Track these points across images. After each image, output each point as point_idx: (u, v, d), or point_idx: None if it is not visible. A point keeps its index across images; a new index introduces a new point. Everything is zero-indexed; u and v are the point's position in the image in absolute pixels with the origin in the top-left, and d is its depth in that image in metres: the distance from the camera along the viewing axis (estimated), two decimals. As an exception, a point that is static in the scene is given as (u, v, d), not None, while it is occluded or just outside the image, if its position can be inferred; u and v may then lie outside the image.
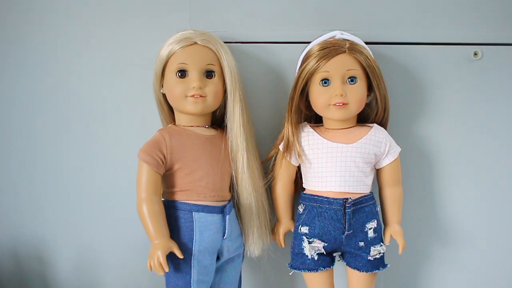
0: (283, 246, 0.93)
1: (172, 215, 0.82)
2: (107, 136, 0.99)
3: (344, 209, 0.84)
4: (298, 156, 0.88)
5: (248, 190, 0.87)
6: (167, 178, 0.84)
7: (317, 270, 0.88)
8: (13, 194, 1.01)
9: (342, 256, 0.91)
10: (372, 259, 0.87)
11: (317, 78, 0.84)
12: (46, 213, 1.01)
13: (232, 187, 0.89)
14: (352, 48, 0.83)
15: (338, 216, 0.85)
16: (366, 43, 0.88)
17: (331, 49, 0.83)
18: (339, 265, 0.91)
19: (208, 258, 0.83)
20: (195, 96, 0.82)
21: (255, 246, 0.90)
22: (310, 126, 0.90)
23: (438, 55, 0.96)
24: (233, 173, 0.87)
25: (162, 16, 0.95)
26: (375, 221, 0.87)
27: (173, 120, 0.89)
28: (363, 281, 0.88)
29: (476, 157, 0.99)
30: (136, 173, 0.81)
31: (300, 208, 0.89)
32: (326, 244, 0.86)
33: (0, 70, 0.98)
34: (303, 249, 0.87)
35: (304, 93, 0.88)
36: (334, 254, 0.90)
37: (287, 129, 0.88)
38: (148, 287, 1.02)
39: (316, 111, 0.88)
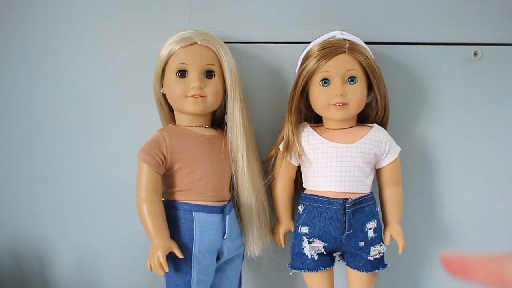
0: (283, 246, 0.93)
1: (172, 215, 0.82)
2: (107, 136, 0.98)
3: (344, 209, 0.84)
4: (298, 156, 0.88)
5: (248, 190, 0.87)
6: (167, 178, 0.84)
7: (317, 270, 0.88)
8: (13, 194, 1.01)
9: (342, 256, 0.91)
10: (372, 259, 0.87)
11: (317, 78, 0.84)
12: (46, 213, 1.01)
13: (232, 187, 0.89)
14: (352, 48, 0.83)
15: (338, 216, 0.85)
16: (366, 43, 0.88)
17: (331, 49, 0.83)
18: (339, 265, 0.91)
19: (208, 258, 0.83)
20: (195, 96, 0.82)
21: (255, 246, 0.90)
22: (310, 126, 0.90)
23: (438, 55, 0.96)
24: (233, 173, 0.87)
25: (162, 16, 0.95)
26: (375, 221, 0.87)
27: (173, 120, 0.89)
28: (363, 281, 0.88)
29: (476, 157, 0.99)
30: (136, 173, 0.81)
31: (300, 208, 0.89)
32: (326, 244, 0.86)
33: None
34: (303, 249, 0.87)
35: (304, 93, 0.88)
36: (334, 254, 0.90)
37: (287, 129, 0.88)
38: (148, 287, 1.02)
39: (316, 111, 0.88)
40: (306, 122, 0.91)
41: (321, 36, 0.87)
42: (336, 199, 0.85)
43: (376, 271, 0.88)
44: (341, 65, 0.83)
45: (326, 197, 0.85)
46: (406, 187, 0.93)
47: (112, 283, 1.03)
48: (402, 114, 0.97)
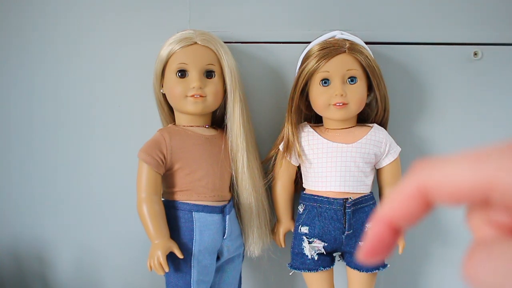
0: (283, 246, 0.93)
1: (172, 215, 0.82)
2: (107, 136, 0.98)
3: (344, 209, 0.84)
4: (298, 156, 0.88)
5: (248, 190, 0.87)
6: (167, 178, 0.84)
7: (317, 270, 0.88)
8: (13, 194, 1.01)
9: (342, 256, 0.91)
10: (372, 259, 0.87)
11: (317, 78, 0.84)
12: (47, 213, 1.01)
13: (232, 187, 0.89)
14: (352, 48, 0.83)
15: (338, 216, 0.85)
16: (366, 43, 0.88)
17: (331, 49, 0.83)
18: (339, 265, 0.91)
19: (208, 258, 0.83)
20: (195, 96, 0.82)
21: (255, 246, 0.90)
22: (310, 126, 0.90)
23: (438, 55, 0.96)
24: (233, 173, 0.87)
25: (162, 16, 0.94)
26: (375, 221, 0.87)
27: (173, 120, 0.89)
28: (363, 281, 0.88)
29: (476, 157, 0.99)
30: (136, 173, 0.81)
31: (300, 208, 0.89)
32: (326, 244, 0.86)
33: None
34: (303, 249, 0.87)
35: (304, 93, 0.88)
36: (334, 254, 0.90)
37: (287, 129, 0.88)
38: (148, 287, 1.02)
39: (316, 111, 0.88)
40: (306, 122, 0.91)
41: (321, 36, 0.87)
42: (336, 199, 0.85)
43: (376, 271, 0.88)
44: (341, 65, 0.83)
45: (326, 197, 0.85)
46: (406, 187, 0.93)
47: (112, 283, 1.03)
48: (402, 114, 0.97)
